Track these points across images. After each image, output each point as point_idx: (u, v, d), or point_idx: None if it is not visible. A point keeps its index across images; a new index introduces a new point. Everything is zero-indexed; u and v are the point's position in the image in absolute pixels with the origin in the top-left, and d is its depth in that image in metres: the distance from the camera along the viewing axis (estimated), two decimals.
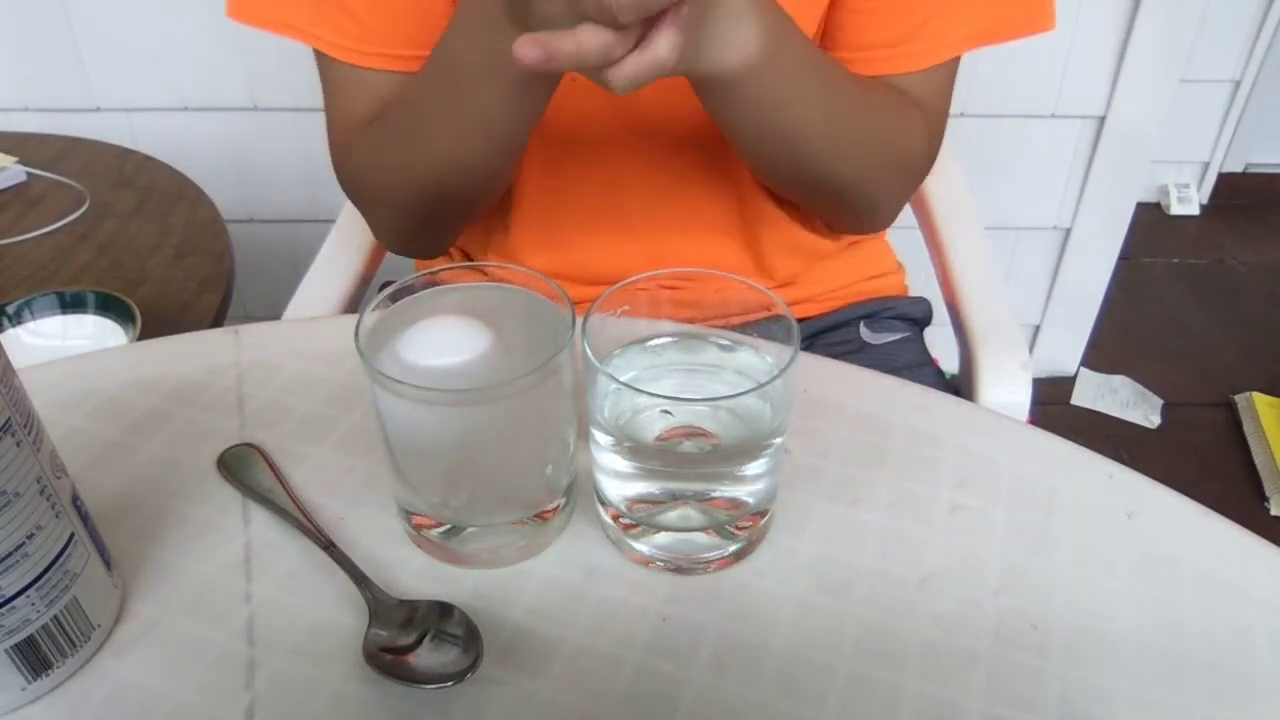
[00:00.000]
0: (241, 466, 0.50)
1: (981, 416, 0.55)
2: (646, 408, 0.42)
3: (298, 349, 0.59)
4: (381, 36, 0.66)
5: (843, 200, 0.69)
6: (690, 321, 0.46)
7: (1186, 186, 2.24)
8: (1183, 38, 1.47)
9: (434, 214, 0.69)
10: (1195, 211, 2.24)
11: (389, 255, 0.94)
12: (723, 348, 0.46)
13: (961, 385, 0.86)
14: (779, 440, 0.43)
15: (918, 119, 0.68)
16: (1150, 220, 2.20)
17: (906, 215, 0.95)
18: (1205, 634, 0.43)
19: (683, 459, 0.43)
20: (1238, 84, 2.05)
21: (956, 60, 0.68)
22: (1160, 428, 1.73)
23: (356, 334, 0.41)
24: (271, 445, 0.52)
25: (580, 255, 0.75)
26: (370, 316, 0.43)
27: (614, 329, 0.45)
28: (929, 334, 0.87)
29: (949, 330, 0.88)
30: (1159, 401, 1.77)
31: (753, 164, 0.69)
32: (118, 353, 0.62)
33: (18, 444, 0.35)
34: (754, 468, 0.43)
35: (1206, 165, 2.22)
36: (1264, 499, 1.59)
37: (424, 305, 0.45)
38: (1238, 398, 1.77)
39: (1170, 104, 1.53)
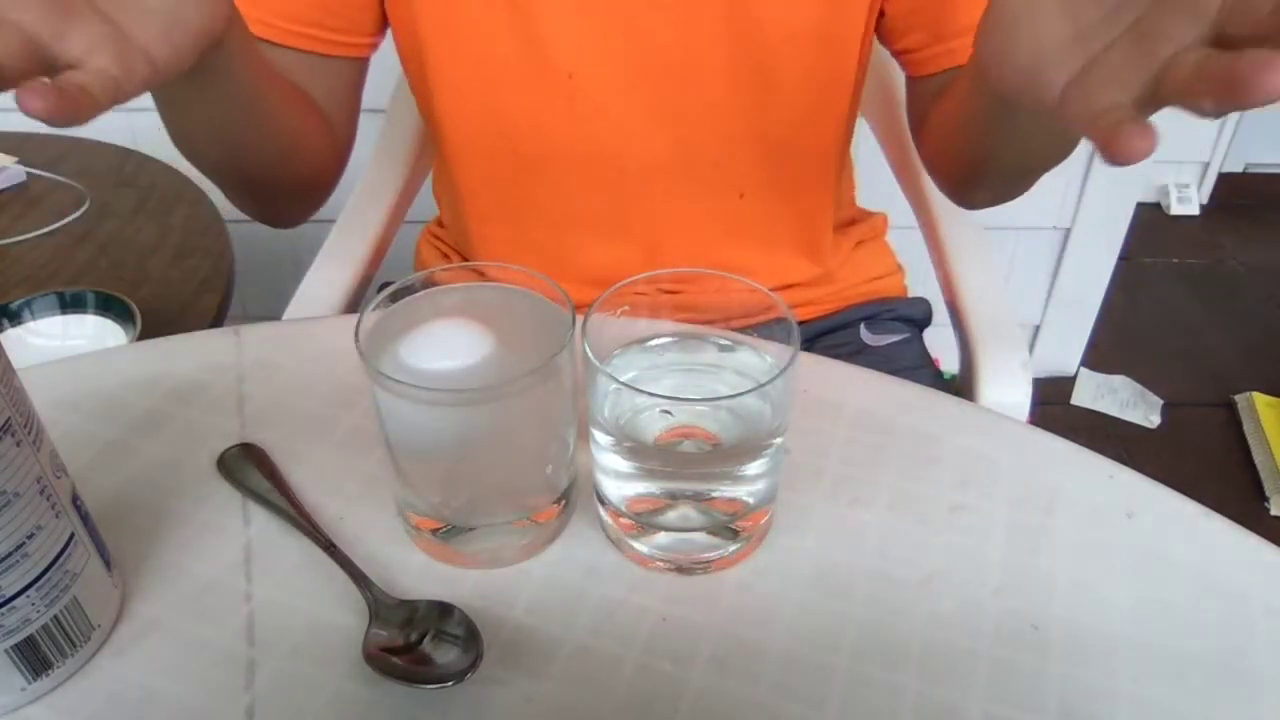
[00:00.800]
0: (241, 466, 0.50)
1: (981, 416, 0.55)
2: (646, 408, 0.42)
3: (298, 349, 0.59)
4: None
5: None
6: (690, 322, 0.46)
7: (1187, 186, 2.24)
8: None
9: (241, 180, 0.66)
10: (1195, 211, 2.24)
11: (389, 255, 0.94)
12: (722, 348, 0.46)
13: (961, 385, 0.86)
14: (779, 440, 0.43)
15: None
16: (1150, 220, 2.20)
17: (906, 215, 0.95)
18: (1205, 634, 0.43)
19: (683, 459, 0.43)
20: None
21: None
22: (1160, 428, 1.73)
23: (357, 335, 0.41)
24: (271, 445, 0.52)
25: (580, 257, 0.74)
26: (370, 317, 0.43)
27: (614, 329, 0.45)
28: (929, 335, 0.87)
29: (949, 331, 0.88)
30: (1159, 401, 1.77)
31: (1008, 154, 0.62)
32: (118, 353, 0.62)
33: (18, 444, 0.35)
34: (754, 468, 0.43)
35: (1206, 165, 2.22)
36: (1264, 499, 1.58)
37: (424, 306, 0.45)
38: (1238, 398, 1.77)
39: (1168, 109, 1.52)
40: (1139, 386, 1.81)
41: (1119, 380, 1.83)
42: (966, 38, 0.64)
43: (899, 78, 0.74)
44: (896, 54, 0.70)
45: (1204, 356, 1.89)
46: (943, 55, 0.66)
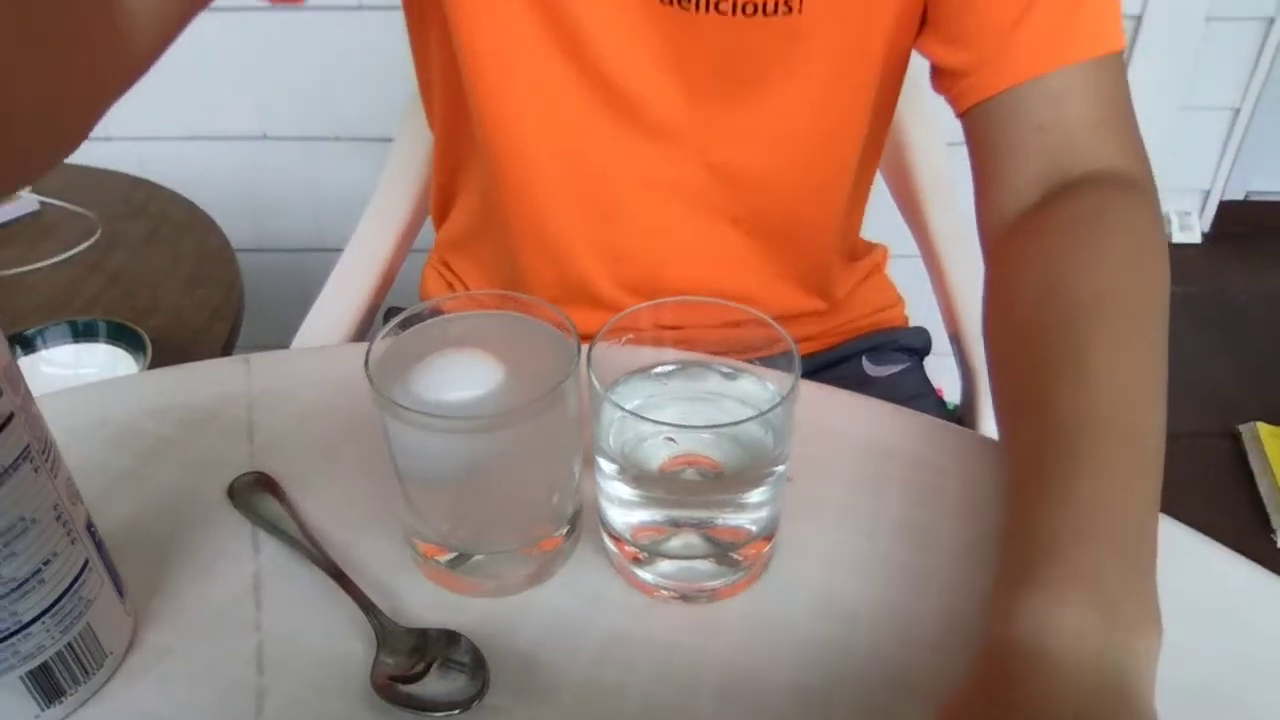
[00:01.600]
0: (251, 495, 0.51)
1: (983, 445, 0.56)
2: (651, 435, 0.43)
3: (308, 377, 0.59)
4: None
5: None
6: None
7: (1188, 214, 2.25)
8: (1181, 65, 1.49)
9: None
10: (1197, 239, 2.24)
11: (396, 284, 0.95)
12: (725, 376, 0.47)
13: (964, 414, 0.87)
14: (781, 468, 0.44)
15: (1138, 223, 0.55)
16: None
17: (908, 243, 0.96)
18: (1210, 667, 0.43)
19: (686, 487, 0.44)
20: (1237, 111, 2.06)
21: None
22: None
23: (367, 363, 0.42)
24: (281, 473, 0.52)
25: (584, 280, 0.74)
26: (380, 345, 0.43)
27: (618, 358, 0.46)
28: (935, 367, 0.87)
29: (952, 361, 0.89)
30: None
31: None
32: (129, 381, 0.63)
33: (35, 470, 0.36)
34: (756, 495, 0.43)
35: (1207, 193, 2.23)
36: (1270, 531, 1.58)
37: (433, 334, 0.45)
38: (1242, 428, 1.76)
39: (1170, 131, 1.53)
40: None
41: None
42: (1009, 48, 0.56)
43: (903, 102, 0.73)
44: (944, 93, 0.64)
45: (1207, 386, 1.89)
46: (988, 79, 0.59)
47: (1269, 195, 2.26)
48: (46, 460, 0.37)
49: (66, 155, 0.40)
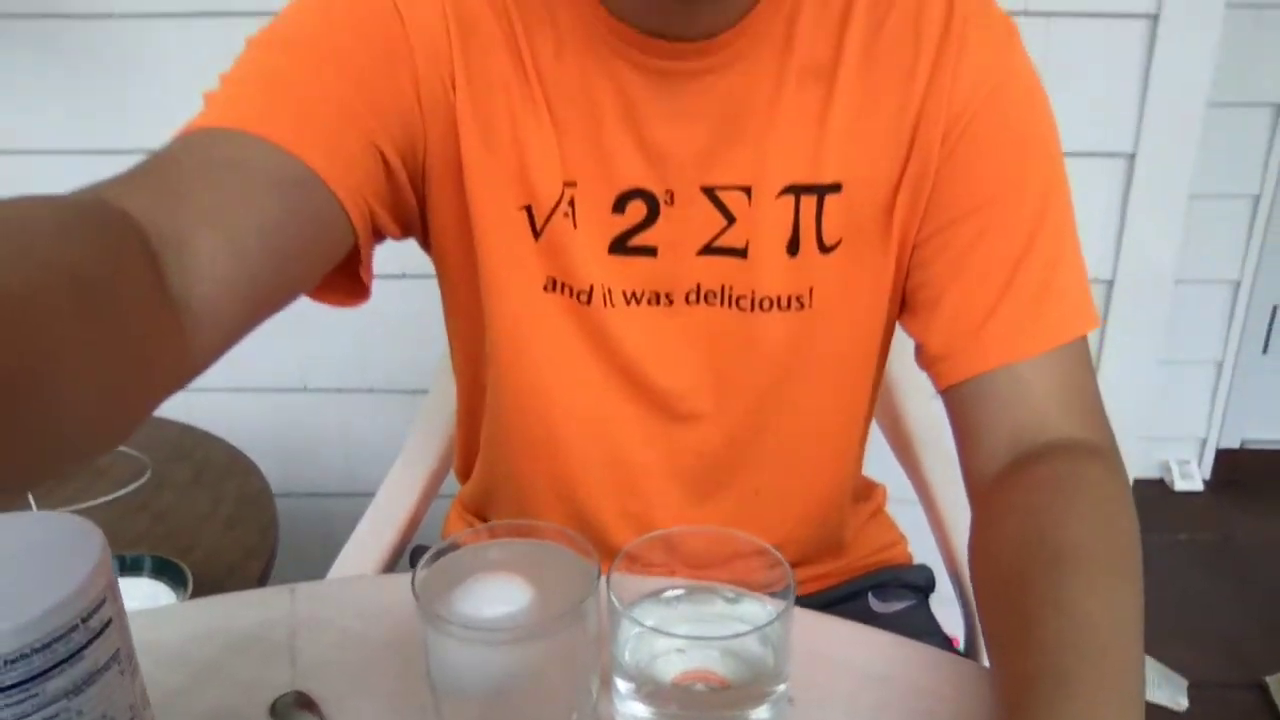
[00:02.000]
0: (292, 714, 0.55)
1: (978, 673, 0.58)
2: (663, 652, 0.47)
3: (348, 606, 0.64)
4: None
5: None
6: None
7: (1188, 463, 2.29)
8: (1156, 324, 1.59)
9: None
10: (1199, 487, 2.28)
11: (423, 525, 1.00)
12: (729, 600, 0.52)
13: (967, 651, 0.88)
14: (782, 687, 0.48)
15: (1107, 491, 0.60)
16: (1155, 496, 2.24)
17: (906, 489, 1.01)
18: None
19: (696, 700, 0.47)
20: (1220, 364, 2.17)
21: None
22: (1189, 711, 1.68)
23: (413, 585, 0.47)
24: (320, 695, 0.56)
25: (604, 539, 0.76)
26: (422, 572, 0.49)
27: (633, 585, 0.51)
28: (945, 611, 0.90)
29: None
30: (1184, 682, 1.73)
31: None
32: (182, 608, 0.67)
33: (121, 673, 0.41)
34: (761, 712, 0.47)
35: (1204, 440, 2.29)
36: None
37: (466, 562, 0.51)
38: (1269, 679, 1.73)
39: (1157, 384, 1.60)
40: (1162, 667, 1.78)
41: None
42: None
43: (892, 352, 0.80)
44: (924, 370, 0.70)
45: (1225, 636, 1.87)
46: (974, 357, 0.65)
47: (1264, 444, 2.32)
48: (130, 665, 0.42)
49: (120, 443, 0.40)
